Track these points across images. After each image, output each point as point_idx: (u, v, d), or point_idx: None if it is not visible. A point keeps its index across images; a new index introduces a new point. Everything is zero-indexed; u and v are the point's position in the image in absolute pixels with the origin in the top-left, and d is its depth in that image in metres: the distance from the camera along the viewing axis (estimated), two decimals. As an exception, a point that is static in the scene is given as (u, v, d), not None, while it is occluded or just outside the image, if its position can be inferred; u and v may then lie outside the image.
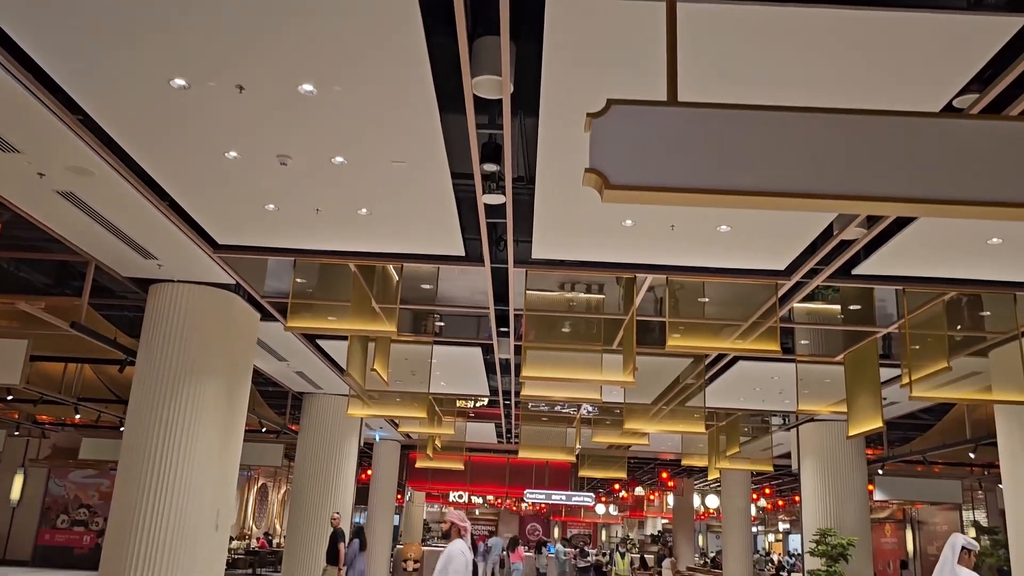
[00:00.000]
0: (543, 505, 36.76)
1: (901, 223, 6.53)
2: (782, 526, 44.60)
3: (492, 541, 22.61)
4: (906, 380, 8.44)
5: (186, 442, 8.31)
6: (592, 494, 26.59)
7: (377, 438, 21.93)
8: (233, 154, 5.56)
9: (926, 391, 7.75)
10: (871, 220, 6.49)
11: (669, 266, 7.47)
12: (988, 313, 8.37)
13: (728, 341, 7.90)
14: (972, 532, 22.88)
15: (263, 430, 16.07)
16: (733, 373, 11.59)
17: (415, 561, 22.77)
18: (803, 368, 11.08)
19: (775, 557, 35.83)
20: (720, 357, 10.88)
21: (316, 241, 7.29)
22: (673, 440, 19.33)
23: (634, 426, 10.83)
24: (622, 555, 15.03)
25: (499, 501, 34.68)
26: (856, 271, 7.41)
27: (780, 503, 33.88)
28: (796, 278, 7.57)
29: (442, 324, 10.20)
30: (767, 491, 29.89)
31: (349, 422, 15.30)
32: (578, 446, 16.25)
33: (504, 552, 22.18)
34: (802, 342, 10.16)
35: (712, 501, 34.28)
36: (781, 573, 26.08)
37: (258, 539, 29.30)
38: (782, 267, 7.40)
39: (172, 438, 8.25)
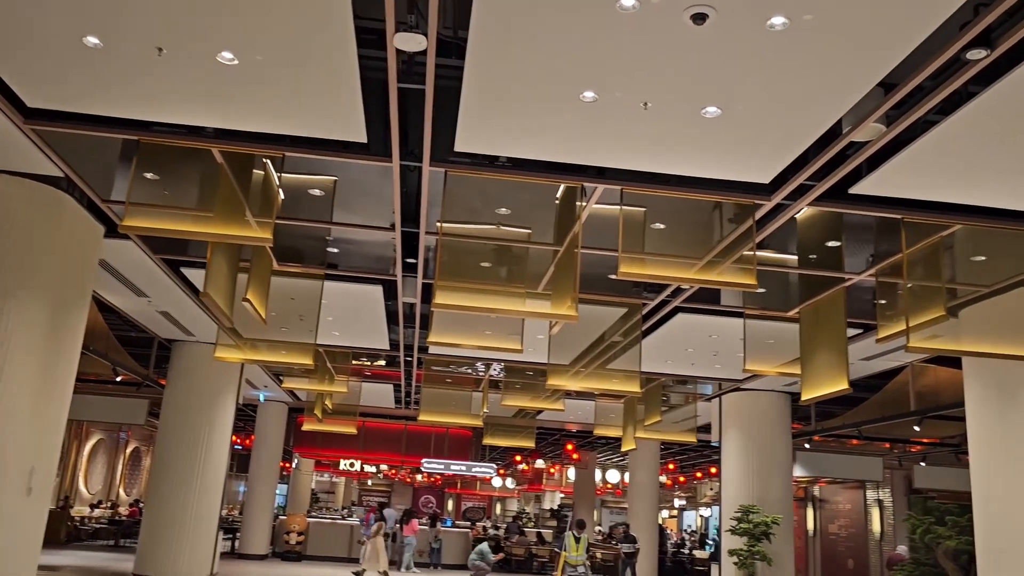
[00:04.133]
0: (438, 477, 35.29)
1: (927, 124, 5.14)
2: (677, 502, 44.42)
3: (385, 513, 20.88)
4: (886, 332, 7.19)
5: (-14, 380, 6.33)
6: (494, 465, 25.14)
7: (261, 398, 19.88)
8: (17, -74, 3.68)
9: (923, 342, 6.45)
10: (891, 116, 5.07)
11: (627, 171, 5.90)
12: (983, 257, 7.15)
13: (691, 272, 6.41)
14: (875, 513, 22.55)
15: (117, 379, 13.85)
16: (670, 328, 10.20)
17: (299, 533, 20.88)
18: (744, 326, 9.77)
19: (672, 534, 35.29)
20: (658, 308, 9.46)
21: (166, 111, 5.42)
22: (584, 409, 18.06)
23: (558, 382, 9.31)
24: (576, 538, 12.27)
25: (394, 471, 32.98)
26: (854, 190, 6.02)
27: (681, 479, 33.28)
28: (779, 198, 6.13)
29: (335, 251, 8.38)
30: (671, 466, 29.12)
31: (225, 376, 13.32)
32: (485, 411, 14.69)
33: (396, 525, 20.51)
34: (758, 290, 8.78)
35: (613, 476, 33.48)
36: (682, 550, 25.30)
37: (129, 507, 26.90)
38: (766, 180, 5.93)
39: (-34, 374, 6.26)
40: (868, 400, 13.23)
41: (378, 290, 9.47)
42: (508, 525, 27.39)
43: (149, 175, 6.29)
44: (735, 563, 13.19)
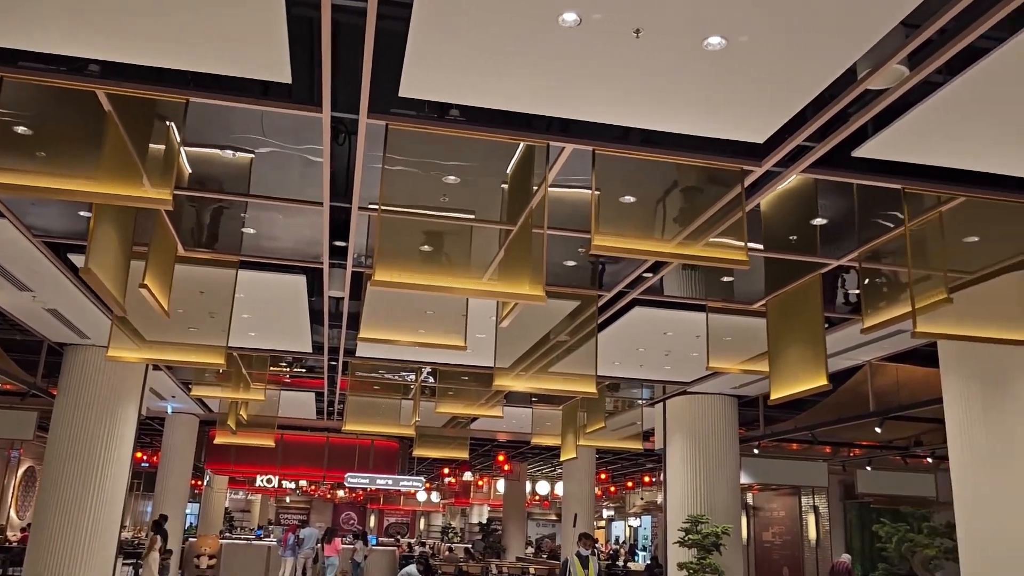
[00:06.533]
0: (360, 492, 33.91)
1: (953, 69, 4.41)
2: (606, 513, 43.89)
3: (305, 532, 19.57)
4: (874, 321, 6.50)
5: None
6: (422, 479, 23.99)
7: (169, 410, 18.36)
8: None
9: (927, 326, 5.74)
10: (914, 56, 4.31)
11: (603, 125, 5.03)
12: (976, 238, 6.50)
13: (671, 246, 5.57)
14: (811, 519, 22.24)
15: (-3, 388, 12.32)
16: (624, 324, 9.38)
17: (210, 556, 19.38)
18: (700, 323, 9.03)
19: (602, 546, 34.63)
20: (614, 300, 8.63)
21: (35, 34, 4.29)
22: (518, 418, 17.17)
23: (505, 383, 8.38)
24: (583, 560, 10.52)
25: (314, 487, 31.45)
26: (858, 152, 5.27)
27: (612, 489, 32.68)
28: (770, 163, 5.35)
29: (251, 231, 7.25)
30: (602, 476, 28.44)
31: (126, 384, 11.94)
32: (416, 419, 13.63)
33: (318, 545, 19.21)
34: (723, 279, 8.04)
35: (542, 487, 32.66)
36: (616, 563, 24.61)
37: (20, 532, 24.77)
38: (761, 139, 5.13)
39: None
40: (822, 402, 12.67)
41: (301, 281, 8.38)
42: (475, 542, 26.34)
43: (20, 129, 5.16)
44: (684, 577, 12.44)
